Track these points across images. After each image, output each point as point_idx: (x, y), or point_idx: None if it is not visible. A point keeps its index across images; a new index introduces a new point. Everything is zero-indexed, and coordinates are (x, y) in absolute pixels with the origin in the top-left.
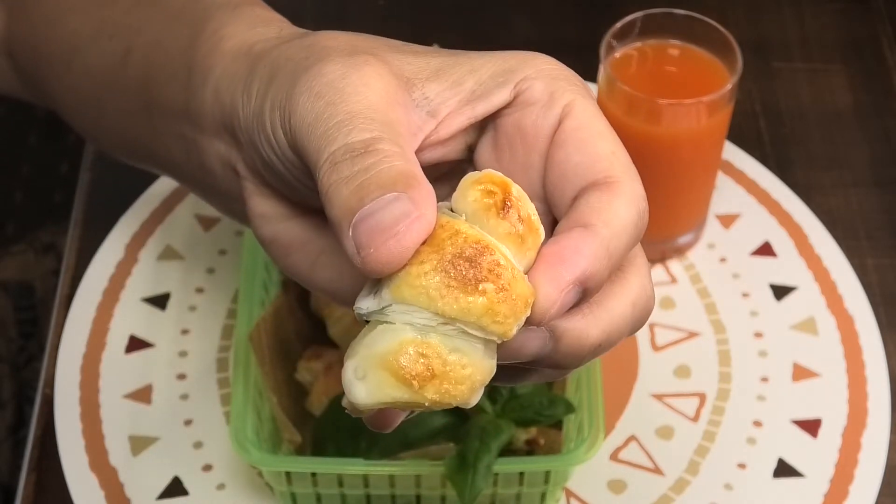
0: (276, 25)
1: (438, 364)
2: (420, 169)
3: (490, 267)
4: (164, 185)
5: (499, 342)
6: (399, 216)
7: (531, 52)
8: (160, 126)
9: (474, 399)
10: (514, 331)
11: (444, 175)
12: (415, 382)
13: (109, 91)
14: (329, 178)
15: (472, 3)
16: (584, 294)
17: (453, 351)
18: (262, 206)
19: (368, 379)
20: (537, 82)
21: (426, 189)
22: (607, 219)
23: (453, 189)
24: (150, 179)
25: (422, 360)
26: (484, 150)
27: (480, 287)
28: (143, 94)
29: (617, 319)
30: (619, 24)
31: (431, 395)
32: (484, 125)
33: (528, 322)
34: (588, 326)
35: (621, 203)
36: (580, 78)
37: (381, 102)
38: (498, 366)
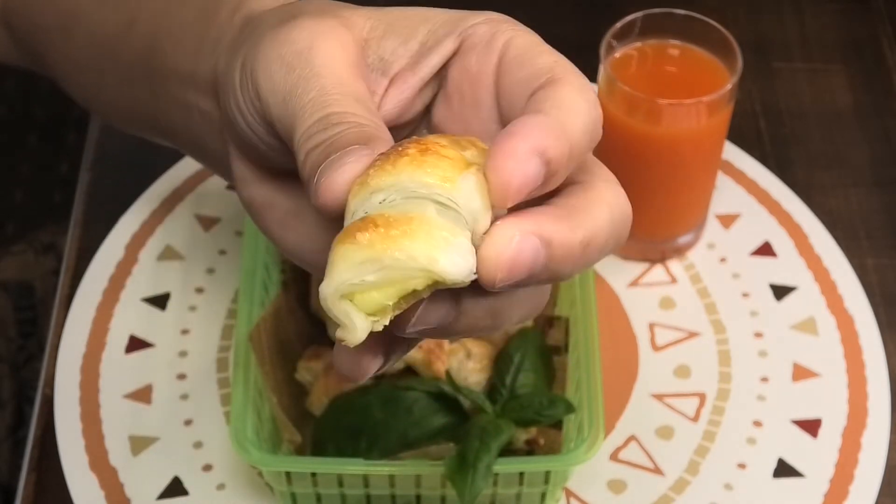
0: None
1: (381, 219)
2: (385, 133)
3: (412, 140)
4: (164, 185)
5: (451, 205)
6: (351, 157)
7: (485, 11)
8: (162, 92)
9: (445, 258)
10: (459, 182)
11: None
12: (359, 235)
13: (111, 59)
14: (305, 147)
15: (472, 4)
16: (548, 172)
17: (398, 211)
18: (241, 168)
19: (329, 274)
20: (481, 26)
21: (385, 145)
22: (556, 103)
23: None
24: (150, 179)
25: (362, 221)
26: (438, 106)
27: (403, 151)
28: (147, 62)
29: (599, 222)
30: (619, 24)
31: (383, 245)
32: (436, 85)
33: (497, 198)
34: (573, 228)
35: (568, 91)
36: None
37: (347, 75)
38: (499, 293)
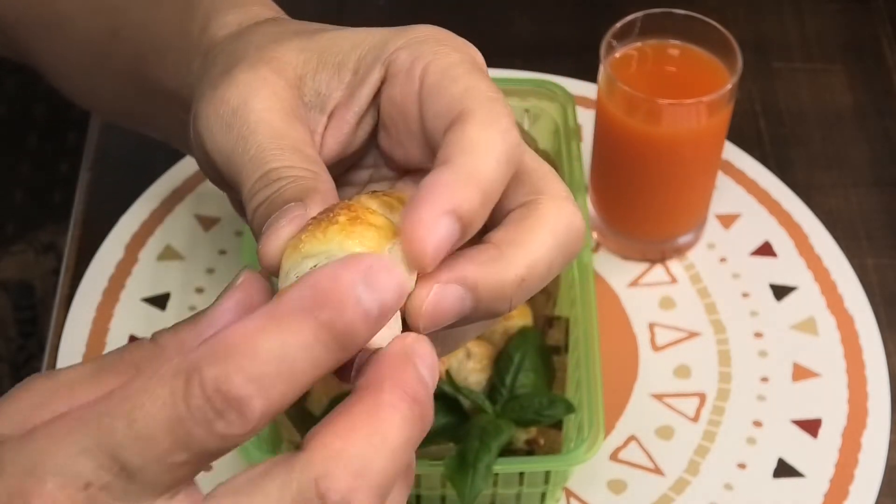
0: (241, 11)
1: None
2: (324, 180)
3: (343, 207)
4: (164, 185)
5: None
6: (284, 220)
7: (413, 26)
8: (155, 102)
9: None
10: (384, 253)
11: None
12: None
13: (100, 65)
14: (251, 206)
15: (472, 3)
16: (463, 225)
17: None
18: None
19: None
20: (402, 52)
21: (321, 197)
22: (463, 147)
23: (371, 175)
24: (150, 179)
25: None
26: (381, 133)
27: (333, 219)
28: (136, 72)
29: (537, 252)
30: (619, 24)
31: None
32: (375, 113)
33: (415, 265)
34: (502, 270)
35: (474, 128)
36: (456, 37)
37: (283, 126)
38: (440, 332)
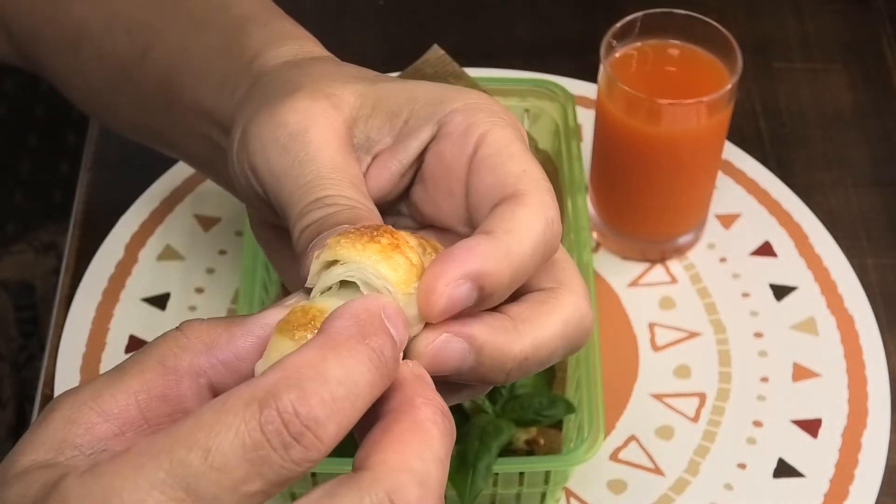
0: (297, 44)
1: (319, 317)
2: (376, 215)
3: (388, 231)
4: (164, 185)
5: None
6: (337, 231)
7: (465, 88)
8: (182, 122)
9: None
10: (409, 289)
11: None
12: (297, 333)
13: (126, 81)
14: (300, 225)
15: (472, 3)
16: (482, 294)
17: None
18: (250, 211)
19: (265, 357)
20: (457, 115)
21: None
22: (508, 226)
23: (394, 222)
24: (150, 179)
25: (303, 314)
26: (416, 186)
27: (377, 238)
28: (164, 91)
29: (545, 336)
30: (619, 24)
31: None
32: (416, 165)
33: (422, 314)
34: (510, 341)
35: (525, 212)
36: (506, 110)
37: (341, 160)
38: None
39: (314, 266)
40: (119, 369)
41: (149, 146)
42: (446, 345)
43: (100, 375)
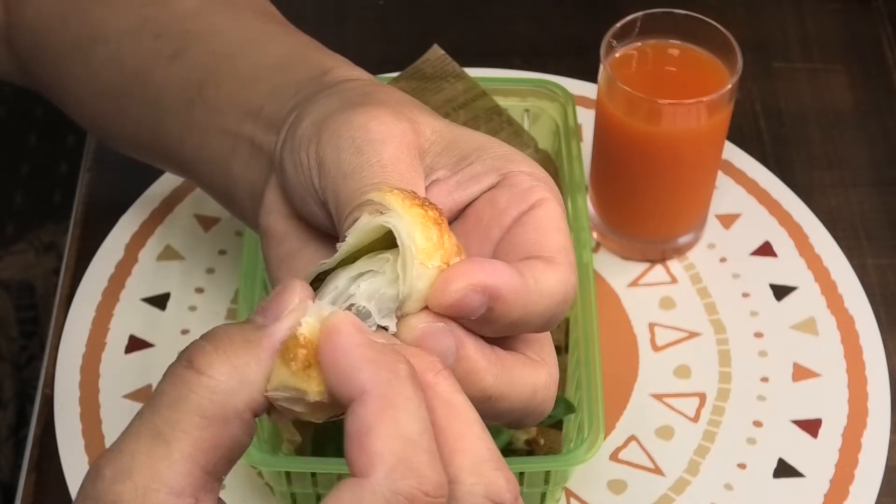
0: (367, 74)
1: (311, 354)
2: None
3: (437, 208)
4: (164, 186)
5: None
6: None
7: (527, 157)
8: (203, 120)
9: None
10: (435, 259)
11: None
12: (293, 365)
13: (140, 84)
14: (348, 221)
15: (472, 3)
16: (486, 315)
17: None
18: (273, 198)
19: (272, 375)
20: (524, 175)
21: None
22: (536, 277)
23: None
24: (150, 179)
25: (294, 343)
26: (454, 221)
27: (424, 206)
28: (189, 91)
29: (516, 390)
30: (619, 24)
31: (305, 382)
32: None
33: (434, 297)
34: (486, 371)
35: (553, 276)
36: (556, 189)
37: (410, 175)
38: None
39: (364, 212)
40: (156, 436)
41: (141, 158)
42: (435, 333)
43: (130, 442)
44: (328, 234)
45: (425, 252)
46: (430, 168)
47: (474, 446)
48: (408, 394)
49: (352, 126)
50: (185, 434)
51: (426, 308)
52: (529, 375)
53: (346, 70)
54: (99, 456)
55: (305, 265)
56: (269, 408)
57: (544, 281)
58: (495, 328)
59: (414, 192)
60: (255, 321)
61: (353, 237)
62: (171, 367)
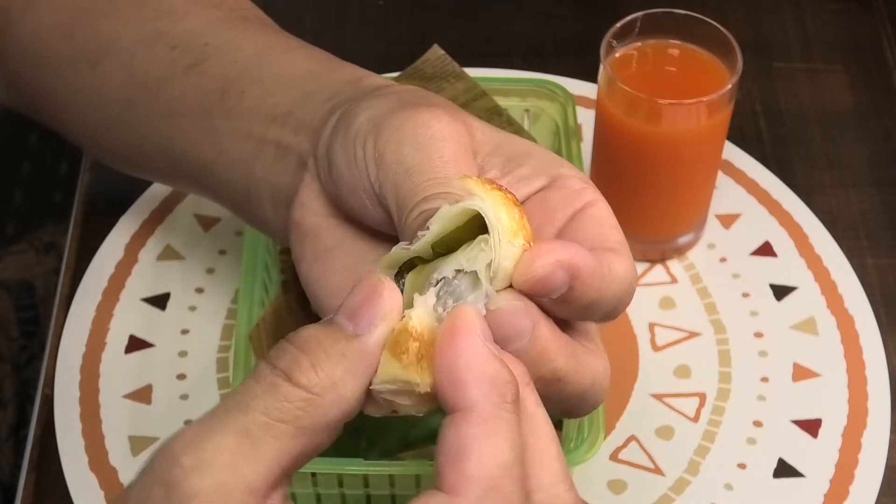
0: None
1: (424, 345)
2: None
3: (511, 192)
4: (164, 186)
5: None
6: None
7: (575, 168)
8: (223, 126)
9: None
10: (517, 240)
11: None
12: (404, 358)
13: (151, 93)
14: (421, 207)
15: (472, 3)
16: (566, 296)
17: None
18: (310, 194)
19: (379, 369)
20: (574, 179)
21: None
22: (609, 263)
23: None
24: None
25: (404, 334)
26: None
27: (503, 191)
28: (208, 98)
29: (580, 375)
30: (619, 24)
31: (418, 375)
32: None
33: (520, 272)
34: (558, 352)
35: (623, 264)
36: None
37: (467, 169)
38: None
39: (443, 202)
40: (245, 436)
41: (136, 173)
42: (516, 311)
43: (216, 436)
44: (364, 232)
45: (511, 231)
46: (481, 168)
47: (552, 465)
48: (512, 422)
49: (414, 123)
50: (276, 440)
51: (508, 287)
52: (592, 361)
53: (378, 78)
54: (173, 438)
55: (342, 262)
56: (366, 401)
57: (616, 267)
58: (570, 310)
59: (490, 179)
60: (345, 328)
61: (438, 224)
62: (261, 369)
